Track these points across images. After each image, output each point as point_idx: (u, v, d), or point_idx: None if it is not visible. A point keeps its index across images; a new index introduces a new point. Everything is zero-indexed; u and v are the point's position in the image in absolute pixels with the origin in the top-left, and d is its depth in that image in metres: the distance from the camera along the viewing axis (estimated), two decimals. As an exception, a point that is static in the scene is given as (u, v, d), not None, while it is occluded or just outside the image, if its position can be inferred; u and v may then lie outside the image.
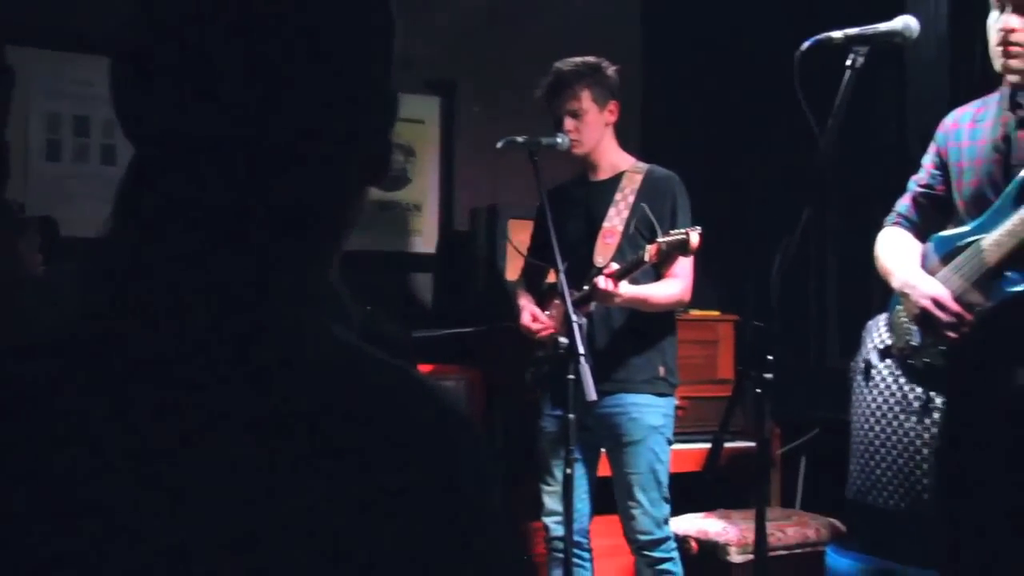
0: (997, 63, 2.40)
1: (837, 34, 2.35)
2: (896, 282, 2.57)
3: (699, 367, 4.36)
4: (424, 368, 3.82)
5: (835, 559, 3.50)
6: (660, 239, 2.99)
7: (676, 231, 2.99)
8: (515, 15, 4.64)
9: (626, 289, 3.09)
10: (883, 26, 2.34)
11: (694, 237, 2.90)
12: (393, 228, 4.48)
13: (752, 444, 3.89)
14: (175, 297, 0.74)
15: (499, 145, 3.27)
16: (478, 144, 3.79)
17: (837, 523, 3.92)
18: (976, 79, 3.73)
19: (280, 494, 0.70)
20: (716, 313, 4.56)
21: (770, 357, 2.31)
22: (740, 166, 4.83)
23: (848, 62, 2.34)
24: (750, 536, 3.25)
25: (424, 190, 4.56)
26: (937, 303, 2.38)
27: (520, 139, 3.24)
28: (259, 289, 0.76)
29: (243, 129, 0.76)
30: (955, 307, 2.36)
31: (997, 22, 2.36)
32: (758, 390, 2.33)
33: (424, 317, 4.45)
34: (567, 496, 3.07)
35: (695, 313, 4.46)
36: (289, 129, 0.77)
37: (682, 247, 2.94)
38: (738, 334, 4.44)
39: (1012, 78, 2.41)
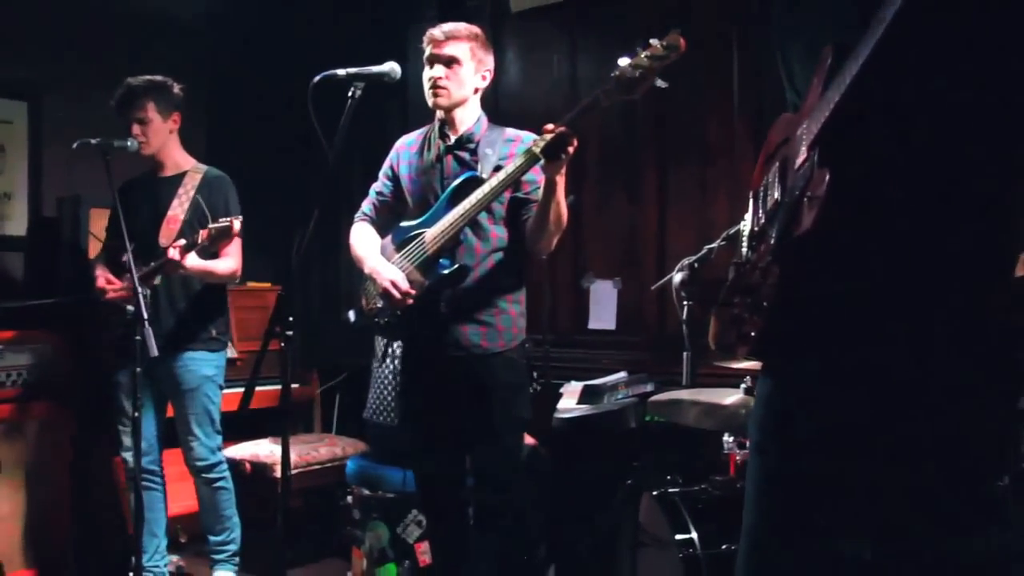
0: (430, 102, 2.88)
1: (341, 72, 2.58)
2: (366, 268, 2.96)
3: (254, 327, 4.81)
4: (6, 334, 3.96)
5: (351, 465, 4.05)
6: (210, 225, 3.36)
7: (223, 219, 3.33)
8: (95, 33, 4.77)
9: (192, 262, 3.43)
10: (375, 68, 2.62)
11: (236, 224, 3.29)
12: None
13: (295, 386, 4.48)
14: None
15: (75, 146, 3.46)
16: (64, 143, 3.69)
17: (359, 442, 4.57)
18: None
19: None
20: (268, 284, 4.99)
21: (291, 318, 2.55)
22: (288, 169, 5.21)
23: (349, 94, 2.61)
24: (289, 456, 3.51)
25: (14, 181, 4.62)
26: (394, 284, 2.80)
27: (94, 141, 3.43)
28: None
29: None
30: (405, 288, 2.81)
31: (427, 75, 2.85)
32: (282, 344, 2.58)
33: (15, 290, 4.55)
34: (136, 434, 3.39)
35: (252, 284, 4.91)
36: None
37: (226, 232, 3.30)
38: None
39: (440, 113, 2.92)
